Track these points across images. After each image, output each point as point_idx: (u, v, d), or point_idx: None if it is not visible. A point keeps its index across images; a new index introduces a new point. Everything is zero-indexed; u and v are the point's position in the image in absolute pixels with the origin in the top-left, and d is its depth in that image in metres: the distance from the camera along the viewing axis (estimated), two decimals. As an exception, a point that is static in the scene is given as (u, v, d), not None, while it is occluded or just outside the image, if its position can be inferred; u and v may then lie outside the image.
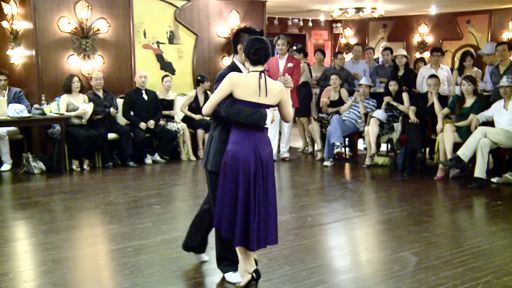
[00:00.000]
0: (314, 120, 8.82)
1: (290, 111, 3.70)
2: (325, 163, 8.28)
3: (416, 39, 14.16)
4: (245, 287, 3.70)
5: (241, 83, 3.50)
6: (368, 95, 8.61)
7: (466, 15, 13.16)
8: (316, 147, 8.97)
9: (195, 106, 8.88)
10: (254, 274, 3.67)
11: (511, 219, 5.50)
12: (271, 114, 3.54)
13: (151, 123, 8.30)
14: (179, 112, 8.88)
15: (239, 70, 3.71)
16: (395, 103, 8.13)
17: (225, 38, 9.91)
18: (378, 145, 8.37)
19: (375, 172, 7.88)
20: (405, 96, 8.16)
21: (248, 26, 3.97)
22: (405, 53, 9.10)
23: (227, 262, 3.92)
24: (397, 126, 8.03)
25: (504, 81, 6.90)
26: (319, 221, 5.44)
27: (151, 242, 4.73)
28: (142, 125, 8.26)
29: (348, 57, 12.80)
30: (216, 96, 3.53)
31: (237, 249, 3.71)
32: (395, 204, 6.13)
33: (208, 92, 9.10)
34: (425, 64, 9.34)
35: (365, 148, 8.83)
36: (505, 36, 12.25)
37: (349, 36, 15.40)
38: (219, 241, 3.86)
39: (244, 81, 3.51)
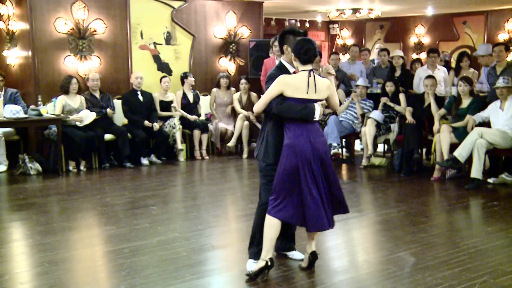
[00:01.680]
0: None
1: (337, 101, 4.04)
2: (322, 164, 8.27)
3: (412, 40, 14.19)
4: (257, 273, 3.84)
5: (291, 83, 3.78)
6: (365, 96, 8.62)
7: (462, 16, 13.18)
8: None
9: (185, 103, 8.91)
10: (269, 262, 3.83)
11: (507, 220, 5.51)
12: (320, 108, 3.83)
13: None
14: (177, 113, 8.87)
15: (287, 70, 3.98)
16: (391, 104, 8.14)
17: (222, 39, 9.92)
18: (375, 146, 8.38)
19: (372, 173, 7.88)
20: (401, 97, 8.17)
21: (292, 27, 4.23)
22: (401, 54, 9.12)
23: (257, 249, 4.05)
24: (394, 127, 8.04)
25: (500, 82, 6.92)
26: (316, 222, 5.42)
27: (148, 243, 4.72)
28: (146, 122, 8.25)
29: (345, 58, 12.80)
30: (267, 96, 3.82)
31: (266, 232, 3.84)
32: (392, 204, 6.14)
33: (198, 92, 9.13)
34: (422, 65, 9.36)
35: (362, 149, 8.84)
36: (501, 37, 12.28)
37: (346, 37, 15.41)
38: (259, 229, 4.01)
39: (294, 81, 3.78)
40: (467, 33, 13.14)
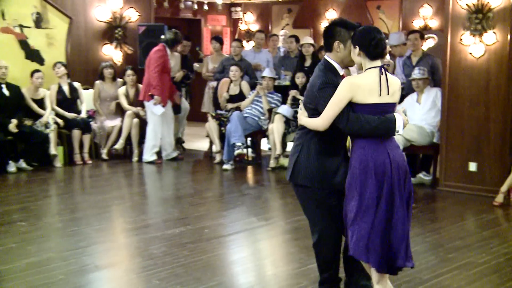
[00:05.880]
0: (211, 118, 8.86)
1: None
2: (225, 166, 8.34)
3: (324, 25, 14.61)
4: None
5: (363, 86, 3.41)
6: (272, 88, 8.77)
7: (376, 0, 13.78)
8: (214, 148, 9.01)
9: (62, 99, 8.65)
10: None
11: (424, 223, 5.84)
12: (401, 118, 3.47)
13: (13, 123, 7.89)
14: (49, 110, 8.54)
15: (336, 70, 3.65)
16: (302, 98, 8.32)
17: (105, 22, 9.69)
18: (284, 145, 8.55)
19: (281, 176, 8.01)
20: (312, 89, 8.38)
21: (342, 18, 3.80)
22: (312, 41, 9.36)
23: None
24: (304, 123, 8.23)
25: (416, 73, 7.30)
26: (218, 233, 5.46)
27: (14, 266, 4.53)
28: (12, 126, 7.86)
29: (249, 45, 12.96)
30: (334, 108, 3.41)
31: (374, 275, 3.50)
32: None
33: (76, 84, 8.86)
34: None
35: (270, 149, 8.99)
36: (417, 24, 12.95)
37: (250, 21, 15.60)
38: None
39: (365, 83, 3.42)
40: (382, 19, 13.75)
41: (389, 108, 3.48)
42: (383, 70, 3.43)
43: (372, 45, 3.43)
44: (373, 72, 3.44)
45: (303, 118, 3.62)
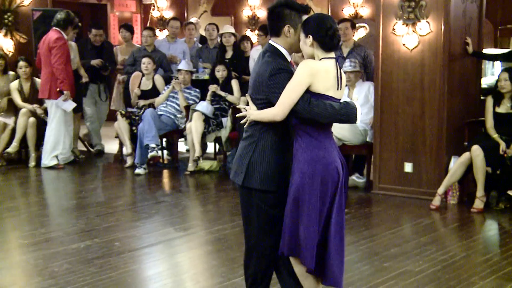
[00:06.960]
0: (121, 116, 8.74)
1: None
2: (137, 170, 8.26)
3: (246, 13, 14.72)
4: None
5: (322, 72, 3.43)
6: (189, 83, 8.76)
7: (303, -14, 14.02)
8: (124, 151, 8.90)
9: None
10: None
11: (357, 230, 5.99)
12: (359, 107, 3.56)
13: None
14: None
15: (284, 57, 3.60)
16: (223, 93, 8.37)
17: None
18: (203, 146, 8.55)
19: (200, 180, 8.05)
20: (234, 84, 8.44)
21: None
22: (233, 30, 9.41)
23: None
24: (226, 121, 8.28)
25: (347, 66, 7.47)
26: (130, 246, 5.41)
27: None
28: None
29: (163, 34, 12.87)
30: (292, 95, 3.40)
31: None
32: (226, 219, 6.32)
33: None
34: (252, 44, 9.72)
35: (188, 150, 8.98)
36: (347, 11, 13.28)
37: (163, 8, 15.50)
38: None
39: (325, 70, 3.45)
40: (309, 6, 14.02)
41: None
42: (337, 64, 3.50)
43: (329, 35, 3.46)
44: (330, 63, 3.49)
45: (254, 113, 3.56)
